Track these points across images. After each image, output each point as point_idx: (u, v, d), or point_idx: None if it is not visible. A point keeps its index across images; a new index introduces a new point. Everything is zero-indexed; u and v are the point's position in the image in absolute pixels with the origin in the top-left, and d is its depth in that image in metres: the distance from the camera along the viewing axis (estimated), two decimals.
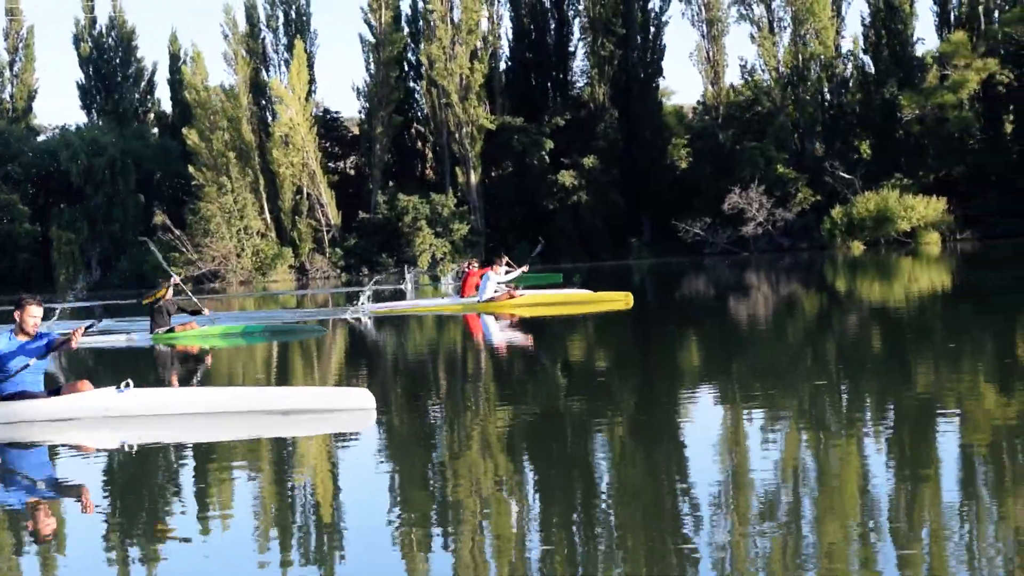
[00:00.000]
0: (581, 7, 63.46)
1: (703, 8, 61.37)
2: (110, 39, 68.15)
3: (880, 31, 58.94)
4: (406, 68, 65.13)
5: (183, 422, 8.90)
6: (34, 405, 9.12)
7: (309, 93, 61.72)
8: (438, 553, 4.84)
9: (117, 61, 68.14)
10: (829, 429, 7.36)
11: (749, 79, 61.79)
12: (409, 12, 64.62)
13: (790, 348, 13.35)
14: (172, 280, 19.25)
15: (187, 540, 5.29)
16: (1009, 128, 58.87)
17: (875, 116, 58.27)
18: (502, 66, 65.83)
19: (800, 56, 58.11)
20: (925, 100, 54.33)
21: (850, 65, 61.25)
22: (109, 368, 15.31)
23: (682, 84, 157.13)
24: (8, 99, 69.17)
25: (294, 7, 64.98)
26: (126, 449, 8.06)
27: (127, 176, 62.12)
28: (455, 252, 58.06)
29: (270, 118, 62.49)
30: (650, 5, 62.18)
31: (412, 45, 64.46)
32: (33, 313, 9.22)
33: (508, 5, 65.27)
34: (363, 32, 65.76)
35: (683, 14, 62.12)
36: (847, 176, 54.82)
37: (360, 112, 65.19)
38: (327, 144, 66.65)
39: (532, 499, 5.86)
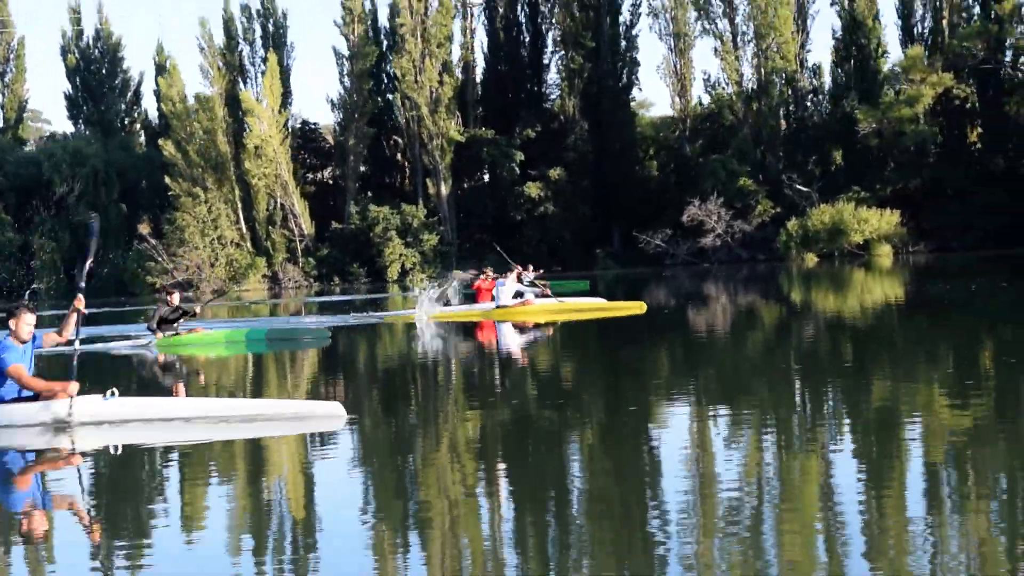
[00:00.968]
0: (554, 21, 64.50)
1: (670, 22, 62.37)
2: (96, 50, 69.58)
3: (851, 46, 59.61)
4: (384, 80, 66.30)
5: (166, 429, 9.23)
6: (23, 410, 9.44)
7: (284, 105, 62.77)
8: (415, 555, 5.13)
9: (103, 72, 69.51)
10: (793, 436, 7.72)
11: (712, 92, 62.65)
12: (386, 25, 65.73)
13: (750, 358, 13.68)
14: (169, 294, 19.20)
15: (167, 542, 5.55)
16: (967, 142, 59.39)
17: (835, 129, 58.93)
18: (478, 78, 66.84)
19: (762, 70, 58.89)
20: (882, 114, 54.91)
21: (812, 79, 61.98)
22: (108, 375, 15.07)
23: (661, 97, 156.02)
24: None
25: (271, 20, 66.18)
26: (111, 452, 8.42)
27: (110, 186, 63.54)
28: (424, 263, 59.10)
29: (246, 129, 63.68)
30: (620, 19, 63.09)
31: (391, 57, 65.22)
32: (27, 321, 9.59)
33: (483, 19, 66.41)
34: (337, 45, 66.87)
35: (651, 28, 63.25)
36: (804, 189, 55.59)
37: (335, 124, 66.38)
38: (305, 155, 67.80)
39: (505, 503, 6.14)
